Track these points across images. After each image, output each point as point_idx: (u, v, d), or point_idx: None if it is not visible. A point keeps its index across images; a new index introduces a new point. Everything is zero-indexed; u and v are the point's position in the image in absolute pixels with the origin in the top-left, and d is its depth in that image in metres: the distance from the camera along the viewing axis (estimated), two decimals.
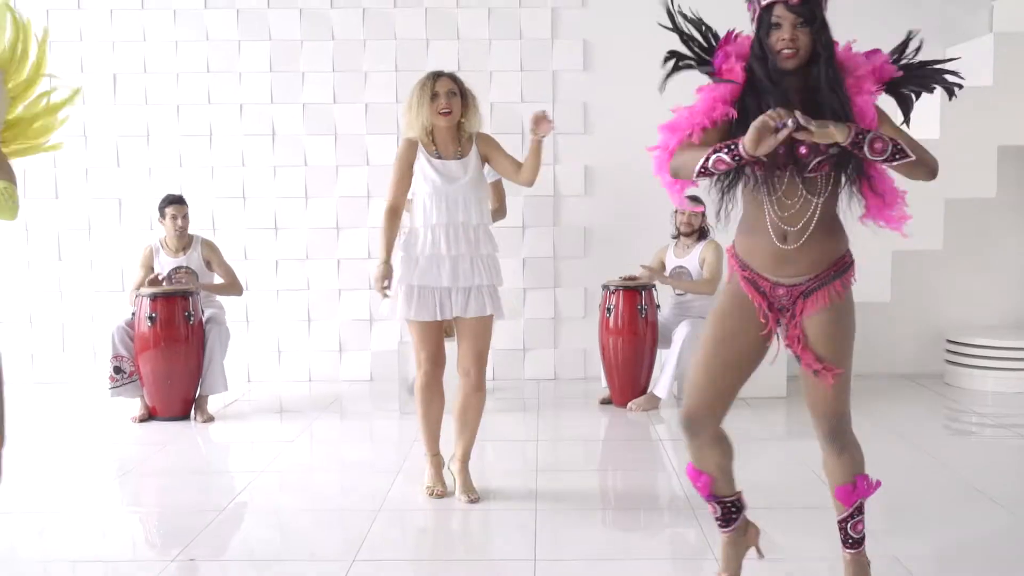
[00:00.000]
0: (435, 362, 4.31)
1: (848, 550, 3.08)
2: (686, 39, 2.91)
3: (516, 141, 6.82)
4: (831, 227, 2.86)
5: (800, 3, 2.70)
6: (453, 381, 4.39)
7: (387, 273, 4.17)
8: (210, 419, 5.96)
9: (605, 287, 6.21)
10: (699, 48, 2.91)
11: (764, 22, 2.75)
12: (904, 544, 3.66)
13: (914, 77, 2.86)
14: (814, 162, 2.74)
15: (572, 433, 5.73)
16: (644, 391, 6.15)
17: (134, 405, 6.05)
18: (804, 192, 2.80)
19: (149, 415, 5.99)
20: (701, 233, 6.28)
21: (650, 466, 5.03)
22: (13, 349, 7.15)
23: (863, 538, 3.08)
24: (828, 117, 2.68)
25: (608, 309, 6.13)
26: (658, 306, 6.23)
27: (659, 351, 6.26)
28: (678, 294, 6.32)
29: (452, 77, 4.24)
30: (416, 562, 3.77)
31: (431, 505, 4.30)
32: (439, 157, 4.21)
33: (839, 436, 2.95)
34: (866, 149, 2.64)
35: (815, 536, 3.70)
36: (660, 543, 3.92)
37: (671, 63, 2.91)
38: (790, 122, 2.55)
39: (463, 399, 4.34)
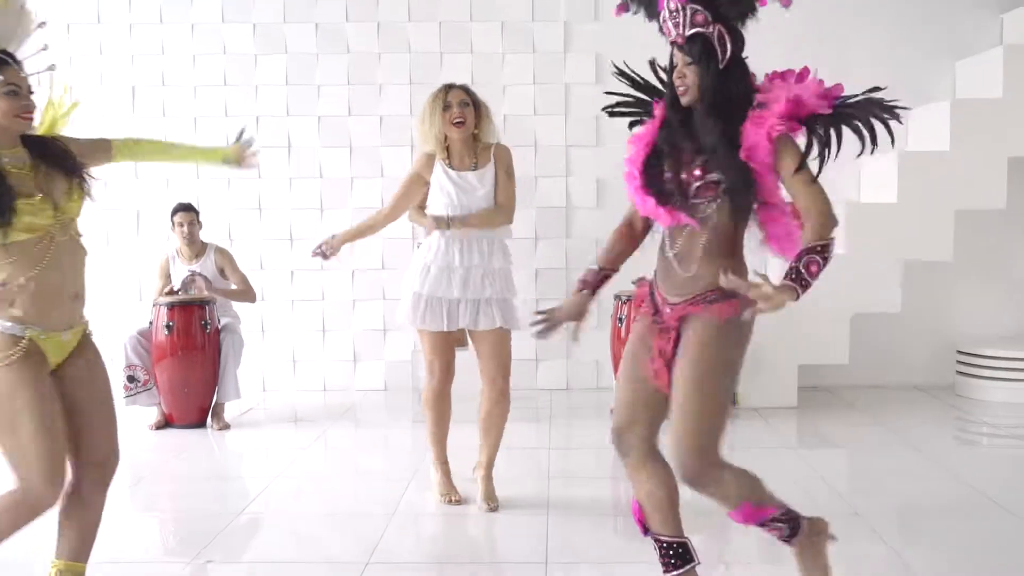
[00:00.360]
0: (445, 372, 4.33)
1: (787, 543, 2.95)
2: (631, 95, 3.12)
3: (529, 154, 6.91)
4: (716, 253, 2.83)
5: (684, 41, 2.76)
6: (473, 390, 4.43)
7: (331, 241, 4.32)
8: (226, 427, 6.04)
9: (617, 297, 6.28)
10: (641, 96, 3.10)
11: (670, 61, 2.85)
12: (916, 551, 3.70)
13: (844, 115, 2.78)
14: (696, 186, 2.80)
15: (584, 441, 5.80)
16: None
17: (150, 413, 6.13)
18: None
19: (166, 422, 6.08)
20: None
21: None
22: None
23: (793, 531, 2.91)
24: (711, 153, 2.76)
25: (620, 319, 6.19)
26: None
27: None
28: None
29: (464, 88, 4.26)
30: (429, 565, 3.83)
31: (443, 511, 4.35)
32: (453, 168, 4.22)
33: (695, 472, 2.78)
34: (812, 282, 2.63)
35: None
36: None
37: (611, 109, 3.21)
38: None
39: (488, 407, 4.34)
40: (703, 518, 3.42)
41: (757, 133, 2.70)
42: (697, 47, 2.75)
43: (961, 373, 6.87)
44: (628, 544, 4.04)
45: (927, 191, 6.54)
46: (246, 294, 6.35)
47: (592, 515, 4.28)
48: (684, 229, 2.83)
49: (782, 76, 2.83)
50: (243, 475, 5.29)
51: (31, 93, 2.85)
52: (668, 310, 2.87)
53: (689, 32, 2.75)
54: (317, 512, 4.40)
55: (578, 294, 3.06)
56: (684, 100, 2.81)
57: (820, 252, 2.64)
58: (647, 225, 3.08)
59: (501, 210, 4.23)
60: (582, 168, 7.21)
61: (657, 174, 2.85)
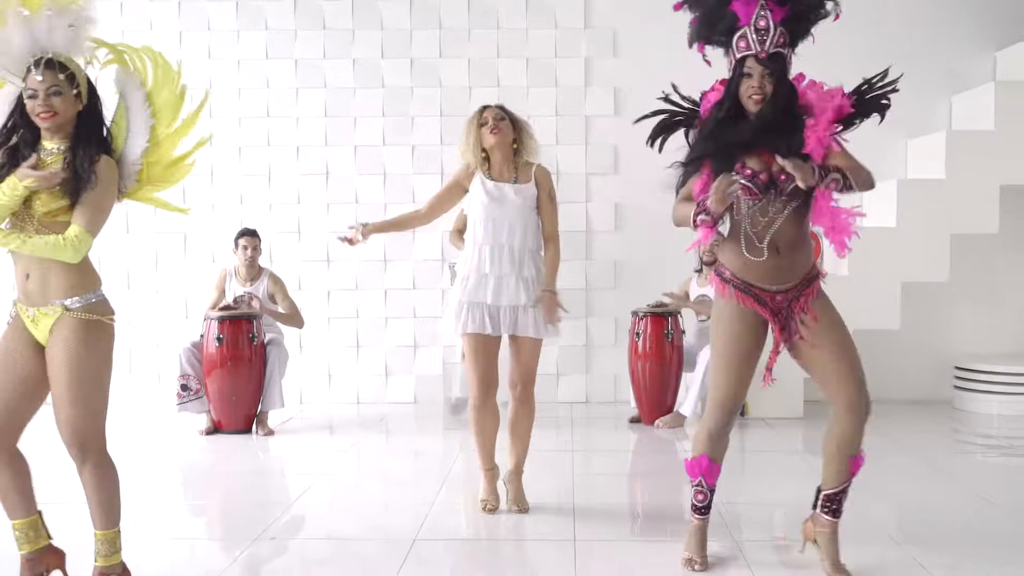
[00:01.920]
0: (486, 383, 4.41)
1: (833, 518, 3.57)
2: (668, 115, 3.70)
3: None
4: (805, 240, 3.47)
5: (767, 57, 3.29)
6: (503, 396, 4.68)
7: (362, 228, 4.38)
8: (270, 432, 6.48)
9: (634, 313, 6.72)
10: (681, 112, 3.69)
11: (736, 72, 3.37)
12: (916, 544, 4.01)
13: (862, 109, 3.43)
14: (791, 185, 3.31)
15: (604, 447, 6.21)
16: (670, 410, 6.63)
17: (200, 420, 6.58)
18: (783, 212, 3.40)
19: (215, 428, 6.52)
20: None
21: (677, 479, 5.49)
22: None
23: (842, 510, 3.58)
24: (783, 151, 3.27)
25: (637, 334, 6.63)
26: (683, 331, 6.72)
27: (684, 373, 6.73)
28: (700, 320, 6.82)
29: (500, 106, 4.46)
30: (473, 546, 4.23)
31: (472, 514, 4.58)
32: (492, 179, 4.38)
33: (862, 397, 3.39)
34: (823, 185, 3.24)
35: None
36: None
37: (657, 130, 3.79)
38: (739, 178, 3.24)
39: (512, 413, 4.51)
40: (726, 518, 3.83)
41: (816, 137, 3.29)
42: (779, 64, 3.30)
43: (959, 388, 7.28)
44: (647, 546, 4.43)
45: (924, 216, 6.99)
46: (293, 319, 6.79)
47: (613, 516, 4.59)
48: (773, 223, 3.36)
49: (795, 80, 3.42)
50: (289, 474, 5.68)
51: (58, 95, 3.14)
52: (779, 298, 3.43)
53: (772, 50, 3.29)
54: (367, 499, 4.83)
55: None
56: (756, 108, 3.33)
57: (845, 179, 3.23)
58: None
59: (553, 243, 4.46)
60: (601, 194, 7.68)
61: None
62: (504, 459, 4.63)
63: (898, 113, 7.49)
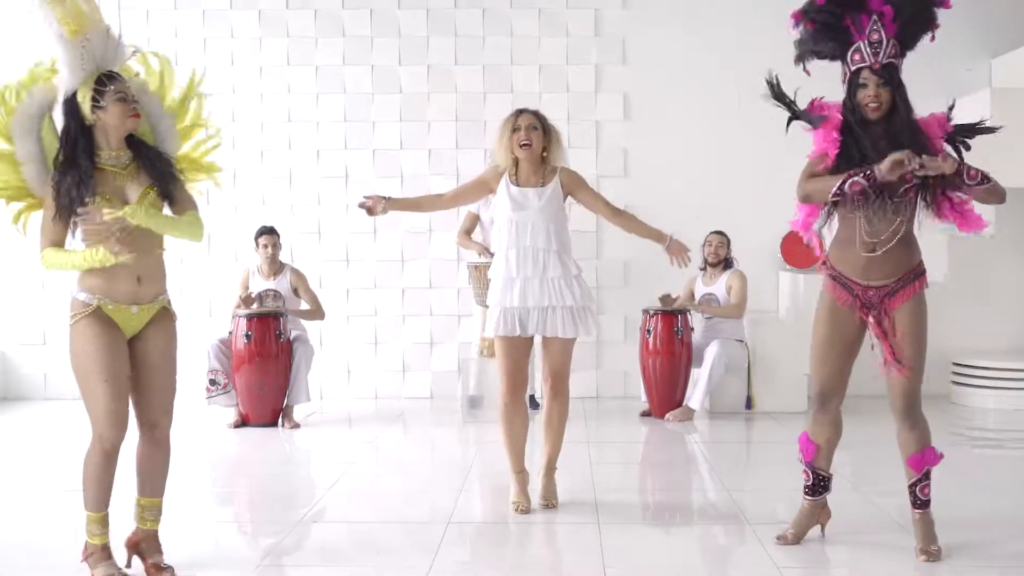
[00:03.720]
0: (515, 385, 4.49)
1: (917, 510, 3.84)
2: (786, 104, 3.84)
3: None
4: (909, 240, 3.72)
5: (881, 67, 3.57)
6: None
7: (383, 202, 4.57)
8: (296, 426, 6.73)
9: (645, 311, 6.99)
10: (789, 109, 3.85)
11: (853, 83, 3.64)
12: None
13: (959, 135, 3.80)
14: (903, 187, 3.57)
15: (618, 439, 6.48)
16: (680, 404, 6.90)
17: (228, 413, 6.84)
18: (891, 213, 3.64)
19: (243, 422, 6.77)
20: (726, 263, 7.06)
21: (689, 468, 5.78)
22: None
23: (929, 500, 3.84)
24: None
25: (648, 331, 6.90)
26: (692, 328, 6.99)
27: (692, 369, 7.00)
28: (707, 318, 7.09)
29: (535, 113, 4.48)
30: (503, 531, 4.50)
31: (495, 502, 4.83)
32: (518, 185, 4.45)
33: (911, 414, 3.76)
34: (965, 176, 3.57)
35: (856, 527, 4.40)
36: (702, 536, 4.65)
37: (785, 108, 3.84)
38: (916, 161, 3.43)
39: (546, 407, 4.60)
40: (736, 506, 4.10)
41: (934, 148, 3.60)
42: (892, 73, 3.58)
43: (956, 383, 7.56)
44: (664, 534, 4.70)
45: (920, 216, 7.23)
46: (315, 313, 7.06)
47: (629, 505, 4.99)
48: (884, 221, 3.61)
49: None
50: (313, 467, 5.93)
51: (135, 101, 3.49)
52: (871, 293, 3.70)
53: (885, 61, 3.57)
54: (391, 488, 5.11)
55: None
56: (874, 116, 3.59)
57: (986, 175, 3.63)
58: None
59: (622, 214, 4.73)
60: (610, 196, 7.77)
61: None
62: (535, 455, 4.79)
63: None
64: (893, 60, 3.61)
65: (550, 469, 4.62)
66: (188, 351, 7.74)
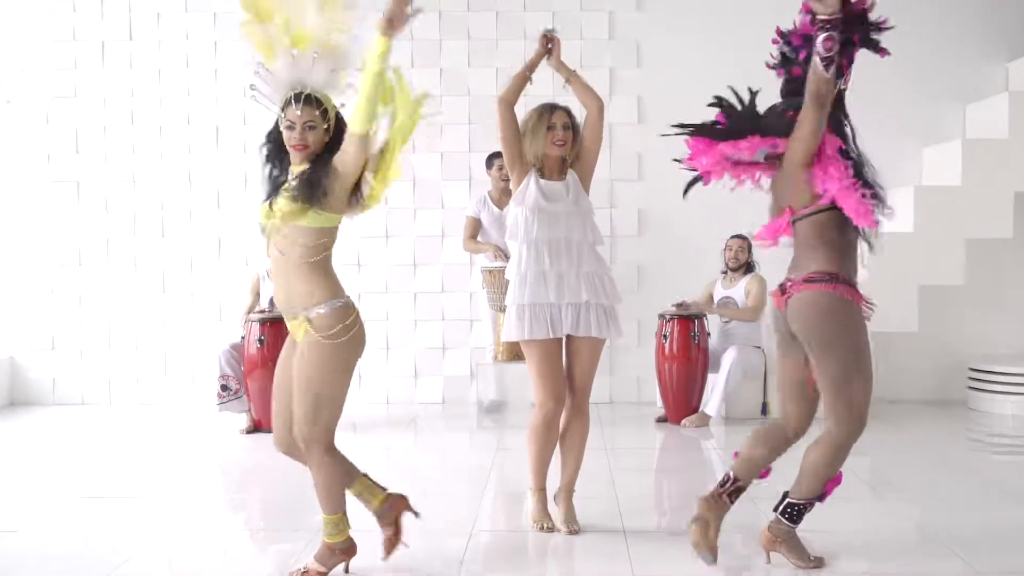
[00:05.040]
0: (557, 398, 4.15)
1: (793, 525, 3.76)
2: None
3: None
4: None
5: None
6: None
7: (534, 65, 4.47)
8: None
9: (661, 316, 6.94)
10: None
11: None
12: (933, 522, 4.31)
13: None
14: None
15: (635, 444, 6.43)
16: (696, 410, 6.85)
17: (240, 419, 6.78)
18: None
19: (255, 427, 6.72)
20: (747, 267, 7.01)
21: (707, 474, 5.73)
22: (120, 373, 7.98)
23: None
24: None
25: (664, 336, 6.84)
26: (708, 334, 6.94)
27: (709, 374, 6.95)
28: (724, 322, 7.04)
29: (567, 111, 4.32)
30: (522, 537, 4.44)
31: (514, 509, 4.81)
32: (544, 179, 4.25)
33: (834, 425, 3.63)
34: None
35: (847, 528, 4.36)
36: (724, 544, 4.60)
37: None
38: None
39: (565, 424, 4.25)
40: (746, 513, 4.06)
41: None
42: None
43: (972, 388, 7.49)
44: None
45: (940, 222, 7.21)
46: None
47: (656, 505, 4.92)
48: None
49: None
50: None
51: (312, 129, 3.45)
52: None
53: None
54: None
55: None
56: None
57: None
58: None
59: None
60: (625, 200, 7.90)
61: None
62: (552, 475, 4.48)
63: (913, 121, 7.81)
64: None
65: (569, 493, 4.34)
66: (198, 357, 7.82)
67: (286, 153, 3.54)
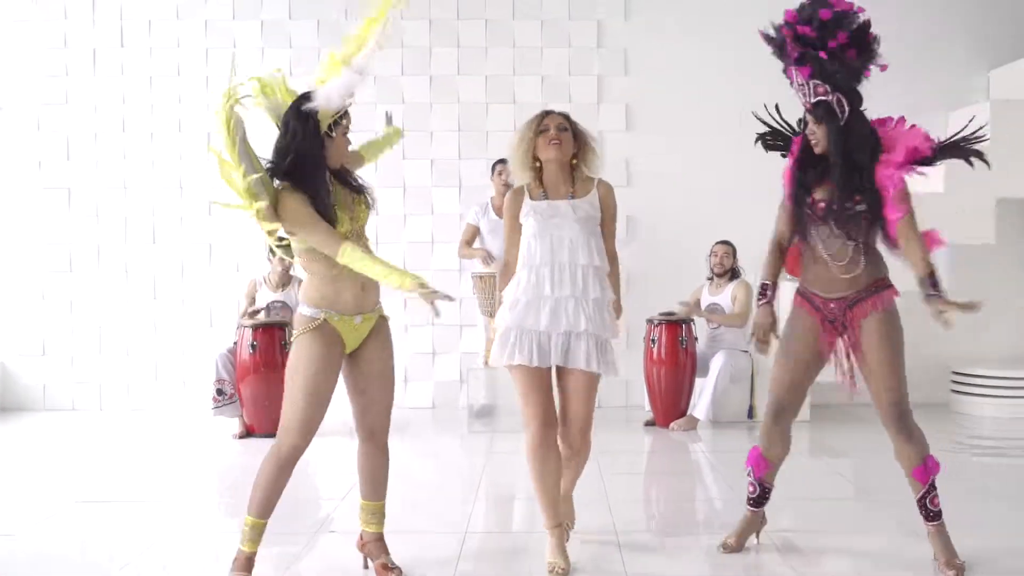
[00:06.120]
0: (545, 421, 3.79)
1: (930, 523, 3.85)
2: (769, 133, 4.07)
3: None
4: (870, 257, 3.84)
5: (812, 108, 3.68)
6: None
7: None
8: None
9: (650, 321, 7.02)
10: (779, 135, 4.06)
11: (803, 121, 3.82)
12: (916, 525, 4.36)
13: (944, 154, 3.78)
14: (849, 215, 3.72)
15: (625, 448, 6.49)
16: (684, 414, 6.94)
17: (233, 424, 6.83)
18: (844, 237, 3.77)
19: (247, 432, 6.77)
20: (733, 273, 7.11)
21: (696, 476, 5.82)
22: (111, 379, 8.02)
23: (940, 511, 3.84)
24: (847, 189, 3.68)
25: (652, 340, 6.93)
26: (696, 338, 7.03)
27: (697, 379, 7.03)
28: (712, 327, 7.13)
29: (564, 115, 3.89)
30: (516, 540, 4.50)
31: (505, 510, 4.94)
32: (545, 198, 3.83)
33: (902, 424, 3.76)
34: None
35: (843, 532, 4.45)
36: (711, 545, 4.69)
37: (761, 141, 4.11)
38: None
39: (568, 452, 3.92)
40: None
41: (884, 174, 3.65)
42: (821, 111, 3.64)
43: (955, 391, 7.61)
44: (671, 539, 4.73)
45: (923, 227, 7.27)
46: None
47: (647, 506, 5.01)
48: (839, 240, 3.71)
49: (882, 123, 3.78)
50: (319, 477, 5.87)
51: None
52: (832, 306, 3.80)
53: (814, 100, 3.65)
54: (399, 499, 5.09)
55: (765, 306, 4.00)
56: (817, 151, 3.72)
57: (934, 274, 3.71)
58: (788, 245, 3.99)
59: (614, 263, 3.98)
60: None
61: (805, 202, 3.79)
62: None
63: None
64: (824, 97, 3.67)
65: (567, 495, 4.11)
66: (189, 362, 7.87)
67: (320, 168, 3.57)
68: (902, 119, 3.81)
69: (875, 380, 3.77)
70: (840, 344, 3.85)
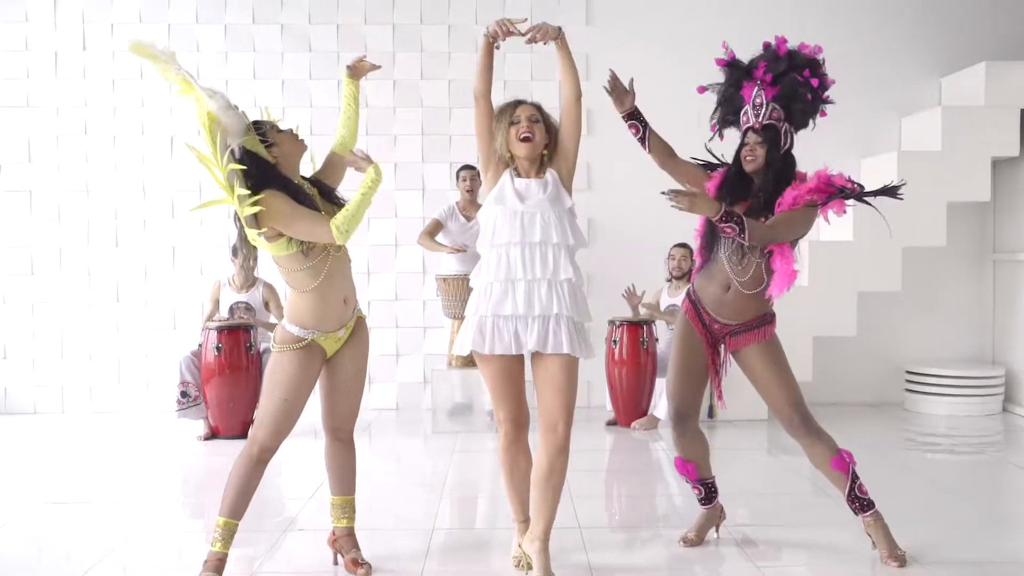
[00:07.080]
0: (516, 421, 3.75)
1: (865, 514, 3.98)
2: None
3: None
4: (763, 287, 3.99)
5: (761, 128, 3.89)
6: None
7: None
8: None
9: (611, 322, 7.13)
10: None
11: (740, 141, 4.00)
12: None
13: (864, 193, 3.97)
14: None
15: (587, 447, 6.56)
16: (645, 413, 7.05)
17: (197, 426, 6.85)
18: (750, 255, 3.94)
19: (212, 434, 6.79)
20: (690, 276, 7.21)
21: (656, 474, 5.92)
22: (73, 382, 8.00)
23: (871, 500, 3.98)
24: (765, 209, 3.88)
25: (614, 341, 7.04)
26: (657, 339, 7.15)
27: (658, 379, 7.14)
28: (672, 328, 7.23)
29: (536, 106, 3.83)
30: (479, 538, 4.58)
31: (469, 510, 5.02)
32: (519, 176, 3.74)
33: (807, 427, 3.95)
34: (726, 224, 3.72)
35: (799, 526, 4.57)
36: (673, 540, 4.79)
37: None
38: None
39: (547, 461, 3.62)
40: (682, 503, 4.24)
41: (792, 196, 3.80)
42: (771, 133, 3.84)
43: (909, 391, 7.79)
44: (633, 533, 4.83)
45: (878, 230, 7.45)
46: None
47: (608, 502, 5.09)
48: (748, 255, 3.89)
49: (803, 175, 3.95)
50: (283, 478, 5.90)
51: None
52: (716, 327, 4.02)
53: (766, 121, 3.85)
54: (363, 499, 5.15)
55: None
56: (749, 168, 3.89)
57: (740, 224, 3.68)
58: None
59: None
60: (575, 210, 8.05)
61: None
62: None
63: (852, 133, 8.10)
64: (774, 123, 3.90)
65: (544, 541, 3.68)
66: (152, 365, 7.87)
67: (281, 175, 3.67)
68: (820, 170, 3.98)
69: (771, 396, 3.99)
70: (716, 360, 4.10)
